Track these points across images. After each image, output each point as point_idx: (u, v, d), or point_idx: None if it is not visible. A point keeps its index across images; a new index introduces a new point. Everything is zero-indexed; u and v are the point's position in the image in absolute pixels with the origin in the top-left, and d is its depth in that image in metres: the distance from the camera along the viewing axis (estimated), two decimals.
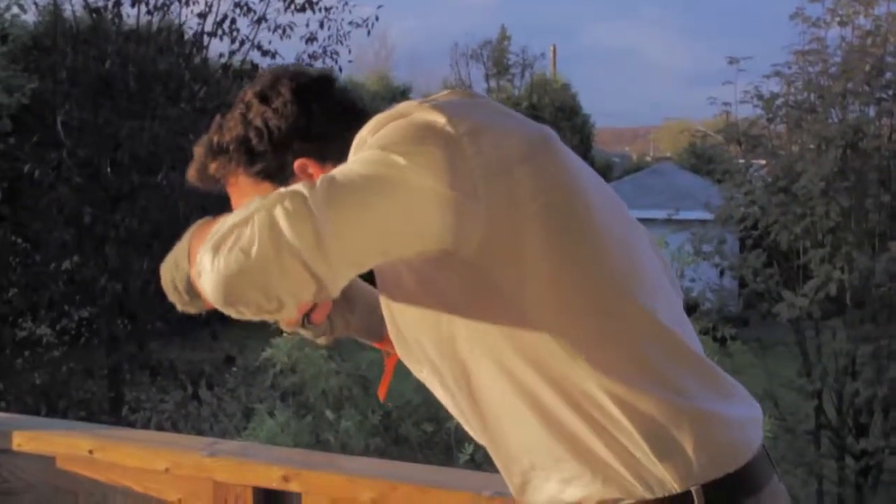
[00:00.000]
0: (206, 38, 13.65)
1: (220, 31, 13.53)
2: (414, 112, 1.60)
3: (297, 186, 1.48)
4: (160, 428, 8.61)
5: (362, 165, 1.53)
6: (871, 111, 9.17)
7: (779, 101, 9.59)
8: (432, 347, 1.70)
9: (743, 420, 1.74)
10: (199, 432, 8.21)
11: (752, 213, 9.25)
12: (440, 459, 6.60)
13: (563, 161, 1.68)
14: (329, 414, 6.68)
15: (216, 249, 1.43)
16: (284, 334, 6.93)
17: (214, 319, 15.92)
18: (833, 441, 9.03)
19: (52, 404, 11.57)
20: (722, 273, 10.37)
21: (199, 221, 1.64)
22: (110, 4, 13.12)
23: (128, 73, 12.75)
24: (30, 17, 14.69)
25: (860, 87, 8.93)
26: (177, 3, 13.46)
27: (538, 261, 1.60)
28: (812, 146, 9.11)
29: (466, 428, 1.81)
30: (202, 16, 13.50)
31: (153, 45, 13.28)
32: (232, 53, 13.81)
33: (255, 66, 13.86)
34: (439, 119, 1.58)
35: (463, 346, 1.66)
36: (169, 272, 1.63)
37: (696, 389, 1.70)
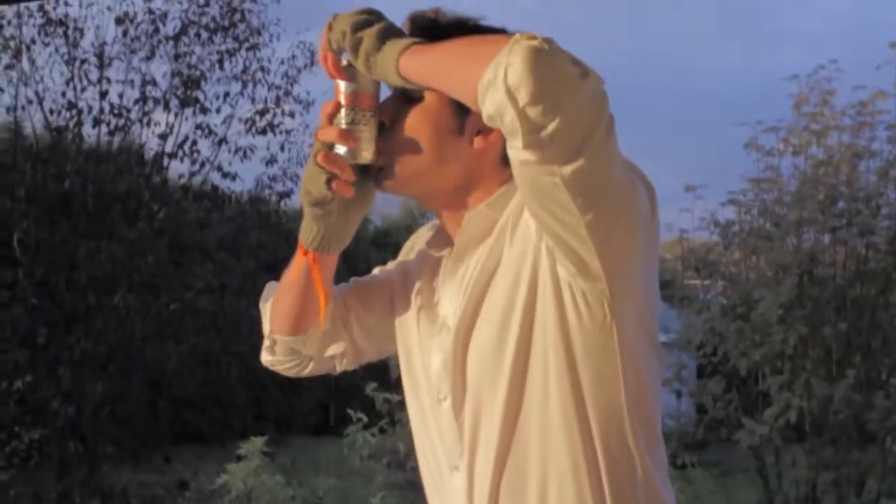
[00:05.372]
0: (166, 159, 13.65)
1: (180, 153, 13.57)
2: None
3: None
4: None
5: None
6: (826, 239, 9.28)
7: (734, 228, 9.69)
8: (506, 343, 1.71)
9: None
10: None
11: (710, 340, 9.26)
12: None
13: None
14: None
15: (574, 63, 1.47)
16: (240, 455, 6.83)
17: (167, 441, 15.68)
18: None
19: None
20: (679, 396, 10.35)
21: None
22: (71, 124, 13.15)
23: (87, 193, 12.72)
24: None
25: (814, 216, 9.03)
26: (138, 124, 13.53)
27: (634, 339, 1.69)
28: (769, 273, 9.18)
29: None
30: (163, 137, 13.54)
31: (113, 165, 13.28)
32: (192, 175, 13.84)
33: (214, 188, 13.89)
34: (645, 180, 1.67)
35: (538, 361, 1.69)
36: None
37: None
